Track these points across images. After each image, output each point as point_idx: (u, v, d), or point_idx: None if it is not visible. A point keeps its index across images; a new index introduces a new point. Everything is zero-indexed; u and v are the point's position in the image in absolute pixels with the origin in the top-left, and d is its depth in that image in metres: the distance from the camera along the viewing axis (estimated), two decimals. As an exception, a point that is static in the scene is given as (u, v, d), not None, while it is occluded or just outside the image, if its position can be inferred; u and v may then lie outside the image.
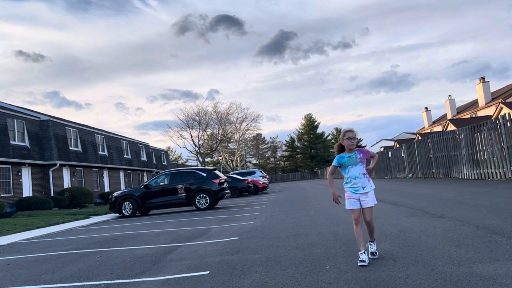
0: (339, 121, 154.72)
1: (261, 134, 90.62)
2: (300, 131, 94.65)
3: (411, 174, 25.21)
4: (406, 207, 8.89)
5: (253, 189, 27.18)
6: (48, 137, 26.36)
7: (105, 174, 34.27)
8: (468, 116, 39.93)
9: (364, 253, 4.31)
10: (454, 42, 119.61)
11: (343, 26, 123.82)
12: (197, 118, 56.10)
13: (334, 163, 4.58)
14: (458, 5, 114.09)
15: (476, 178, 15.91)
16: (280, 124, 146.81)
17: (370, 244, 4.59)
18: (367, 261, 4.26)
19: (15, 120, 24.05)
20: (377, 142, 67.31)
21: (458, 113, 44.96)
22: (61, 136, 27.63)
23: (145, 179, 42.38)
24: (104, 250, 7.51)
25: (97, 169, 32.72)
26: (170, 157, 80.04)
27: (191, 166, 74.55)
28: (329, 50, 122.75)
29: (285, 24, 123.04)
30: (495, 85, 55.33)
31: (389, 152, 31.07)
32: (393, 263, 4.19)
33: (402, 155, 27.26)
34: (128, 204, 15.91)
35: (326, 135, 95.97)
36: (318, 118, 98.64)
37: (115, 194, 16.51)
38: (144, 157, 43.85)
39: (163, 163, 51.97)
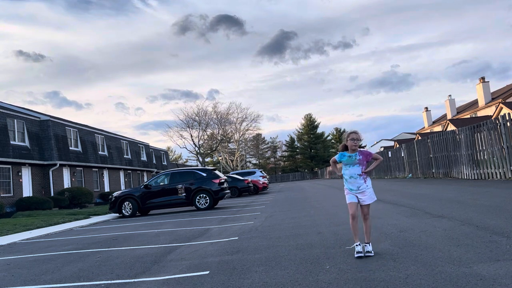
0: (339, 121, 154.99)
1: (261, 134, 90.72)
2: (300, 131, 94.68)
3: (411, 174, 25.21)
4: (406, 207, 8.89)
5: (253, 189, 27.17)
6: (48, 137, 26.36)
7: (105, 174, 34.27)
8: (468, 116, 39.93)
9: (359, 244, 4.67)
10: (455, 42, 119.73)
11: (344, 26, 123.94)
12: (197, 118, 56.17)
13: (336, 157, 4.97)
14: (458, 5, 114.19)
15: (476, 178, 15.91)
16: (280, 124, 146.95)
17: (366, 245, 4.74)
18: (363, 252, 4.63)
19: (15, 120, 24.05)
20: (377, 142, 67.31)
21: (458, 113, 44.96)
22: (61, 136, 27.63)
23: (145, 179, 42.39)
24: (104, 250, 7.51)
25: (97, 169, 32.72)
26: (170, 157, 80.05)
27: (191, 166, 74.56)
28: (330, 50, 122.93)
29: (285, 24, 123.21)
30: (496, 85, 55.35)
31: (389, 152, 31.07)
32: (393, 263, 4.19)
33: (402, 155, 27.26)
34: (128, 204, 15.91)
35: (326, 135, 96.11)
36: (318, 118, 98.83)
37: (115, 194, 16.51)
38: (144, 157, 43.86)
39: (163, 163, 51.97)
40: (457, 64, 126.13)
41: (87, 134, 31.88)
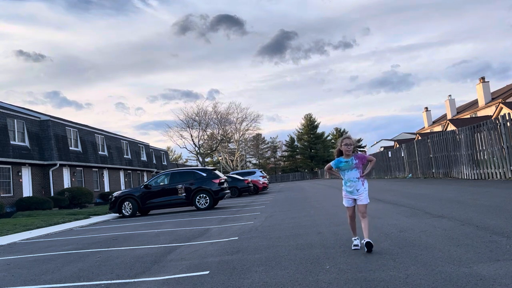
0: (339, 121, 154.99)
1: (261, 134, 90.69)
2: (300, 131, 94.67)
3: (411, 174, 25.21)
4: (406, 207, 8.89)
5: (253, 189, 27.17)
6: (48, 137, 26.36)
7: (105, 174, 34.27)
8: (468, 116, 39.94)
9: (357, 238, 5.04)
10: (455, 42, 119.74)
11: (344, 26, 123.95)
12: (197, 118, 56.16)
13: (332, 163, 5.20)
14: (458, 5, 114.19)
15: (476, 178, 15.91)
16: (280, 124, 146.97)
17: (365, 240, 4.89)
18: (360, 245, 4.97)
19: (15, 120, 24.05)
20: (377, 142, 67.31)
21: (458, 113, 44.96)
22: (61, 136, 27.63)
23: (145, 179, 42.38)
24: (104, 250, 7.51)
25: (97, 169, 32.72)
26: (170, 157, 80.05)
27: (191, 166, 74.56)
28: (330, 50, 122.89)
29: (285, 24, 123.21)
30: (496, 85, 55.37)
31: (389, 152, 31.07)
32: (393, 263, 4.19)
33: (402, 155, 27.26)
34: (128, 204, 15.91)
35: (326, 135, 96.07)
36: (318, 118, 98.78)
37: (115, 194, 16.50)
38: (144, 157, 43.86)
39: (163, 163, 51.97)
40: (457, 64, 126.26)
41: (87, 134, 31.89)
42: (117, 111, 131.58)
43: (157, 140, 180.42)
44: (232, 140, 66.48)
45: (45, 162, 25.82)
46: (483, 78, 38.41)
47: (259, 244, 6.29)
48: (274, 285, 3.92)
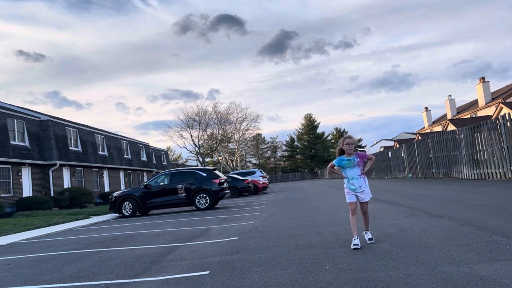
0: (339, 121, 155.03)
1: (261, 134, 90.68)
2: (300, 131, 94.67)
3: (411, 174, 25.21)
4: (406, 207, 8.89)
5: (253, 189, 27.17)
6: (48, 137, 26.36)
7: (105, 174, 34.27)
8: (468, 116, 39.93)
9: (357, 238, 5.18)
10: (455, 41, 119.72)
11: (344, 26, 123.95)
12: (197, 118, 56.17)
13: (334, 162, 5.48)
14: (459, 5, 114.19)
15: (476, 178, 15.91)
16: (280, 124, 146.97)
17: (365, 232, 5.42)
18: (360, 245, 5.10)
19: (15, 120, 24.05)
20: (377, 142, 67.28)
21: (458, 113, 44.96)
22: (61, 136, 27.64)
23: (145, 179, 42.38)
24: (104, 250, 7.51)
25: (97, 169, 32.72)
26: (170, 157, 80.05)
27: (191, 166, 74.56)
28: (330, 49, 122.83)
29: (286, 23, 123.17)
30: (496, 85, 55.50)
31: (389, 152, 31.07)
32: (393, 263, 4.19)
33: (402, 155, 27.26)
34: (128, 204, 15.91)
35: (326, 135, 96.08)
36: (318, 118, 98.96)
37: (115, 194, 16.50)
38: (144, 157, 43.86)
39: (163, 163, 51.97)
40: (457, 64, 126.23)
41: (87, 134, 31.89)
42: (117, 111, 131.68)
43: (157, 140, 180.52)
44: (232, 140, 66.49)
45: (45, 162, 25.82)
46: (483, 78, 38.41)
47: (259, 244, 6.29)
48: (274, 285, 3.92)
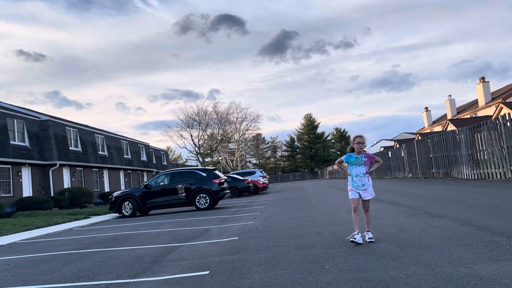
0: (340, 121, 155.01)
1: (261, 134, 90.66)
2: (300, 131, 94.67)
3: (411, 174, 25.21)
4: (406, 207, 8.89)
5: (253, 189, 27.17)
6: (48, 137, 26.36)
7: (105, 174, 34.27)
8: (468, 116, 39.93)
9: (358, 234, 5.33)
10: (455, 41, 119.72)
11: (345, 26, 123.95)
12: (197, 118, 56.19)
13: (342, 157, 5.65)
14: (459, 5, 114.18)
15: (476, 178, 15.91)
16: (280, 124, 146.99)
17: (367, 232, 5.45)
18: (361, 240, 5.26)
19: (15, 120, 24.05)
20: (377, 142, 67.30)
21: (458, 113, 44.96)
22: (61, 136, 27.63)
23: (145, 179, 42.38)
24: (104, 250, 7.51)
25: (97, 169, 32.72)
26: (170, 157, 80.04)
27: (191, 166, 74.55)
28: (331, 49, 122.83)
29: (286, 23, 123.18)
30: (497, 85, 55.55)
31: (389, 152, 31.07)
32: (393, 263, 4.19)
33: (402, 155, 27.27)
34: (128, 204, 15.91)
35: (326, 135, 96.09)
36: (319, 118, 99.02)
37: (115, 194, 16.50)
38: (144, 157, 43.86)
39: (163, 163, 51.97)
40: (458, 64, 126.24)
41: (87, 134, 31.89)
42: (117, 111, 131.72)
43: (157, 140, 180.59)
44: (232, 140, 66.48)
45: (45, 162, 25.81)
46: (483, 78, 38.41)
47: (259, 244, 6.29)
48: (274, 285, 3.92)
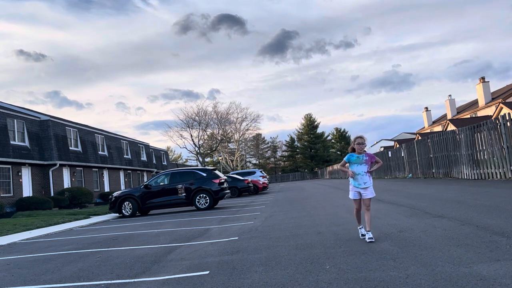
0: (340, 121, 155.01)
1: (261, 134, 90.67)
2: (300, 131, 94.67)
3: (411, 174, 25.21)
4: (406, 207, 8.89)
5: (253, 189, 27.16)
6: (48, 137, 26.36)
7: (105, 174, 34.27)
8: (468, 116, 39.93)
9: (362, 227, 5.67)
10: (456, 41, 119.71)
11: (345, 26, 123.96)
12: (197, 118, 56.19)
13: (344, 158, 5.78)
14: (459, 5, 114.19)
15: (476, 178, 15.91)
16: (280, 124, 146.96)
17: (367, 232, 5.51)
18: (365, 232, 5.53)
19: (15, 120, 24.05)
20: (377, 142, 67.28)
21: (458, 113, 44.96)
22: (61, 136, 27.63)
23: (145, 179, 42.38)
24: (104, 250, 7.51)
25: (97, 169, 32.72)
26: (170, 157, 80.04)
27: (191, 166, 74.55)
28: (331, 49, 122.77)
29: (287, 23, 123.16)
30: (497, 85, 55.60)
31: (389, 152, 31.07)
32: (393, 263, 4.19)
33: (402, 155, 27.27)
34: (128, 204, 15.90)
35: (326, 135, 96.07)
36: (319, 118, 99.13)
37: (115, 194, 16.50)
38: (144, 157, 43.85)
39: (163, 163, 51.97)
40: (458, 64, 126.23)
41: (87, 134, 31.89)
42: (117, 111, 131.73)
43: (157, 140, 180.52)
44: (232, 140, 66.48)
45: (45, 162, 25.81)
46: (483, 78, 38.41)
47: (259, 244, 6.29)
48: (274, 285, 3.92)
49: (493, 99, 37.31)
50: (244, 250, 5.88)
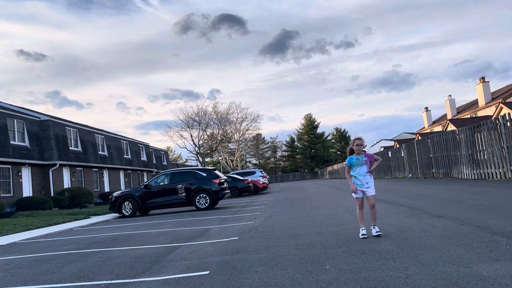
0: (340, 121, 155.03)
1: (261, 134, 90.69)
2: (300, 131, 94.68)
3: (411, 174, 25.21)
4: (406, 207, 8.89)
5: (253, 189, 27.16)
6: (48, 137, 26.36)
7: (105, 174, 34.27)
8: (468, 116, 39.92)
9: (364, 229, 5.72)
10: (456, 41, 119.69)
11: (345, 26, 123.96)
12: (197, 118, 56.20)
13: (346, 163, 5.96)
14: (460, 4, 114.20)
15: (476, 178, 15.91)
16: (280, 124, 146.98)
17: (373, 227, 5.72)
18: (367, 235, 5.64)
19: (15, 120, 24.05)
20: (377, 142, 67.29)
21: (458, 113, 44.95)
22: (61, 136, 27.63)
23: (145, 179, 42.38)
24: (104, 250, 7.51)
25: (97, 169, 32.72)
26: (170, 157, 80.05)
27: (191, 166, 74.55)
28: (331, 49, 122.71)
29: (287, 23, 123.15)
30: (498, 85, 55.61)
31: (389, 152, 31.07)
32: (393, 263, 4.19)
33: (402, 155, 27.27)
34: (128, 204, 15.90)
35: (326, 135, 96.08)
36: (319, 118, 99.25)
37: (115, 194, 16.50)
38: (144, 157, 43.85)
39: (163, 163, 51.96)
40: (458, 64, 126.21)
41: (87, 134, 31.89)
42: (117, 111, 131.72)
43: (157, 140, 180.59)
44: (232, 140, 66.49)
45: (45, 162, 25.81)
46: (483, 78, 38.41)
47: (259, 244, 6.29)
48: (274, 285, 3.92)
49: (493, 99, 37.31)
50: (244, 250, 5.88)
